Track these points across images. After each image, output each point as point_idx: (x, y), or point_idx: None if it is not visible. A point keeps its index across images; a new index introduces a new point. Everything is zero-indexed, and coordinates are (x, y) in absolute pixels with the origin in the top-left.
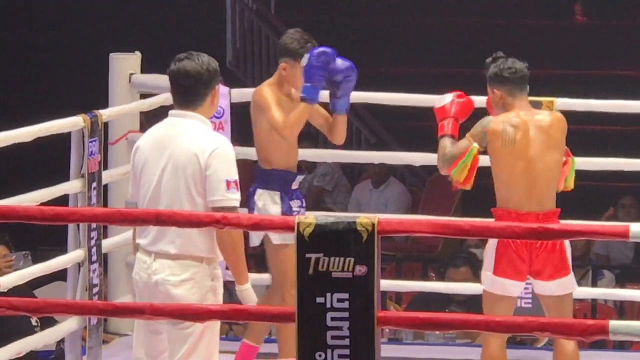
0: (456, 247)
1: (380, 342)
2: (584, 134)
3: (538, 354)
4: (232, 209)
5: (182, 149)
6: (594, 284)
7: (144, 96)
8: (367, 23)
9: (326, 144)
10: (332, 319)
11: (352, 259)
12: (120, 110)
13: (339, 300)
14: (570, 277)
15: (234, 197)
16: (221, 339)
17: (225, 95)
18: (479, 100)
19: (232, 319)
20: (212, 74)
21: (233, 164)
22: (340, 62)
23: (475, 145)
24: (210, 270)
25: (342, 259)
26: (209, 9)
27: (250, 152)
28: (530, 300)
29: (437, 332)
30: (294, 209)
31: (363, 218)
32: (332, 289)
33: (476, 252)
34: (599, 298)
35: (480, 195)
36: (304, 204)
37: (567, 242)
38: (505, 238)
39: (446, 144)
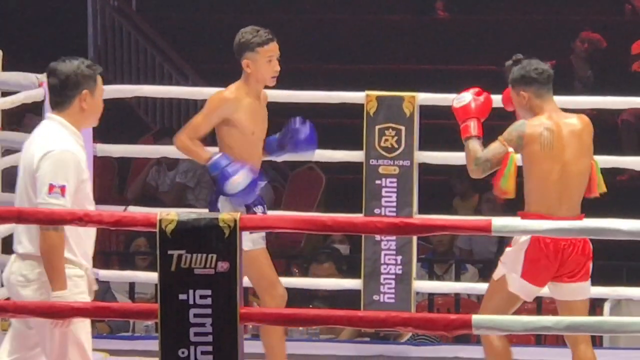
0: (319, 242)
1: (243, 338)
2: (445, 128)
3: (402, 348)
4: None
5: (30, 151)
6: (457, 279)
7: (5, 94)
8: (224, 19)
9: None
10: (195, 315)
11: (215, 256)
12: None
13: (202, 297)
14: (589, 284)
15: (55, 202)
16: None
17: None
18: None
19: (96, 316)
20: (81, 77)
21: (65, 169)
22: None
23: (512, 150)
24: None
25: (204, 255)
26: (70, 7)
27: (111, 150)
28: (393, 295)
29: (300, 328)
30: (258, 214)
31: (225, 214)
32: (195, 286)
33: (340, 248)
34: (463, 292)
35: (342, 190)
36: (266, 210)
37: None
38: (369, 233)
39: (476, 147)
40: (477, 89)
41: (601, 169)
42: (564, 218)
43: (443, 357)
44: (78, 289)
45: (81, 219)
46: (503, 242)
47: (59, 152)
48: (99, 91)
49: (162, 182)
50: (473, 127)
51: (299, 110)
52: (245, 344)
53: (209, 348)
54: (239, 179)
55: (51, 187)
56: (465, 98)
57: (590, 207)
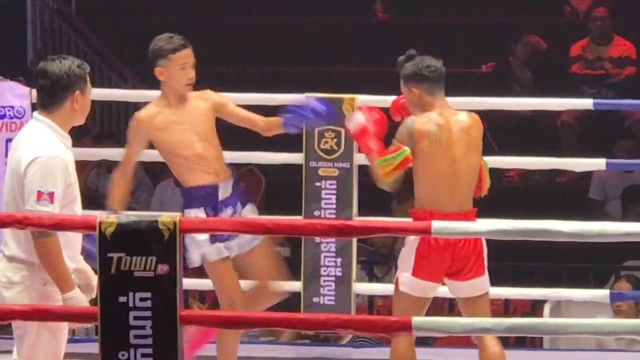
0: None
1: (183, 340)
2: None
3: (343, 351)
4: None
5: (17, 155)
6: None
7: None
8: (165, 22)
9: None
10: (135, 318)
11: (154, 258)
12: None
13: (142, 300)
14: (486, 277)
15: (44, 209)
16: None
17: (26, 96)
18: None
19: (35, 319)
20: (73, 78)
21: (53, 175)
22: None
23: (407, 148)
24: (42, 275)
25: (144, 258)
26: (9, 9)
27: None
28: (333, 297)
29: (240, 331)
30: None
31: (165, 217)
32: (135, 288)
33: (280, 250)
34: None
35: (281, 192)
36: (240, 207)
37: (484, 243)
38: (309, 235)
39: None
40: (367, 107)
41: (540, 170)
42: (454, 214)
43: (383, 359)
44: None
45: (20, 222)
46: None
47: (47, 158)
48: (88, 90)
49: (101, 184)
50: (372, 144)
51: None
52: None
53: (149, 350)
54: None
55: (39, 194)
56: (358, 119)
57: (531, 208)
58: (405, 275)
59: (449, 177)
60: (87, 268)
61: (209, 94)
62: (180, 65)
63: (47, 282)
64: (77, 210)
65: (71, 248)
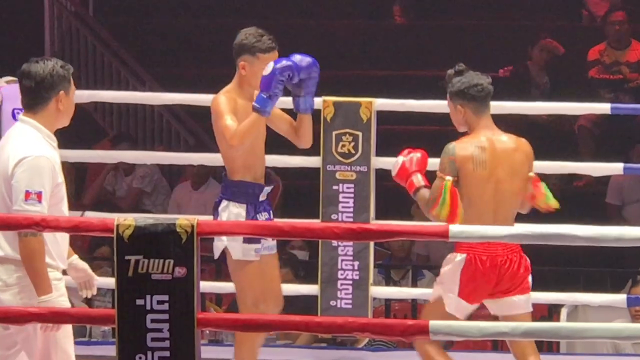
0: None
1: (200, 343)
2: (402, 134)
3: (359, 354)
4: None
5: (4, 156)
6: (414, 284)
7: None
8: (183, 24)
9: (145, 145)
10: (152, 320)
11: (172, 261)
12: None
13: (159, 302)
14: (528, 297)
15: (32, 209)
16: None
17: None
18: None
19: (53, 321)
20: (56, 78)
21: (40, 175)
22: (299, 59)
23: (449, 178)
24: None
25: (161, 260)
26: (27, 12)
27: (68, 155)
28: (350, 301)
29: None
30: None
31: (182, 220)
32: (152, 291)
33: (299, 254)
34: (420, 298)
35: (299, 196)
36: (272, 217)
37: (528, 263)
38: (326, 239)
39: (424, 194)
40: (407, 150)
41: (557, 175)
42: None
43: None
44: (58, 292)
45: (38, 224)
46: None
47: (34, 158)
48: (72, 91)
49: (118, 187)
50: (416, 180)
51: None
52: (202, 349)
53: (166, 353)
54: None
55: (27, 193)
56: (399, 161)
57: (548, 213)
58: (451, 297)
59: (494, 201)
60: (85, 265)
61: None
62: (264, 65)
63: None
64: (64, 210)
65: (59, 246)
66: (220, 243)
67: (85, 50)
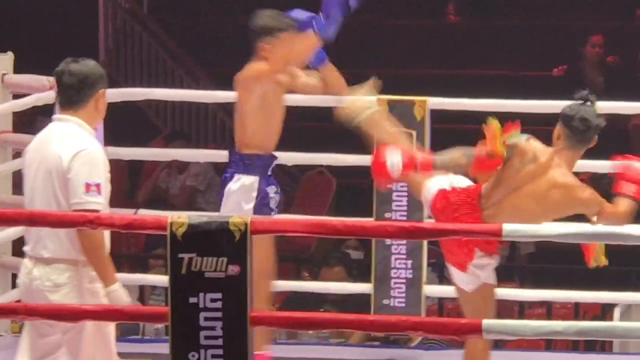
0: (329, 246)
1: (253, 341)
2: (456, 133)
3: (412, 353)
4: (91, 212)
5: (51, 153)
6: None
7: (16, 97)
8: (237, 22)
9: (198, 143)
10: (205, 319)
11: (225, 259)
12: None
13: (212, 300)
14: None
15: (94, 201)
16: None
17: None
18: None
19: (107, 319)
20: (96, 77)
21: (97, 167)
22: None
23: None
24: (87, 273)
25: (215, 258)
26: (82, 9)
27: (122, 153)
28: (403, 299)
29: (310, 332)
30: (271, 195)
31: (236, 218)
32: (205, 289)
33: (354, 254)
34: None
35: (353, 194)
36: (279, 190)
37: None
38: (379, 237)
39: (445, 157)
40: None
41: (612, 173)
42: None
43: None
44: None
45: (92, 222)
46: (514, 246)
47: (90, 151)
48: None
49: (172, 185)
50: (424, 157)
51: (311, 113)
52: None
53: (220, 351)
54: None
55: (88, 186)
56: (396, 161)
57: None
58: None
59: (510, 201)
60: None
61: (296, 71)
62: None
63: (91, 280)
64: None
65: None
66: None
67: (139, 47)
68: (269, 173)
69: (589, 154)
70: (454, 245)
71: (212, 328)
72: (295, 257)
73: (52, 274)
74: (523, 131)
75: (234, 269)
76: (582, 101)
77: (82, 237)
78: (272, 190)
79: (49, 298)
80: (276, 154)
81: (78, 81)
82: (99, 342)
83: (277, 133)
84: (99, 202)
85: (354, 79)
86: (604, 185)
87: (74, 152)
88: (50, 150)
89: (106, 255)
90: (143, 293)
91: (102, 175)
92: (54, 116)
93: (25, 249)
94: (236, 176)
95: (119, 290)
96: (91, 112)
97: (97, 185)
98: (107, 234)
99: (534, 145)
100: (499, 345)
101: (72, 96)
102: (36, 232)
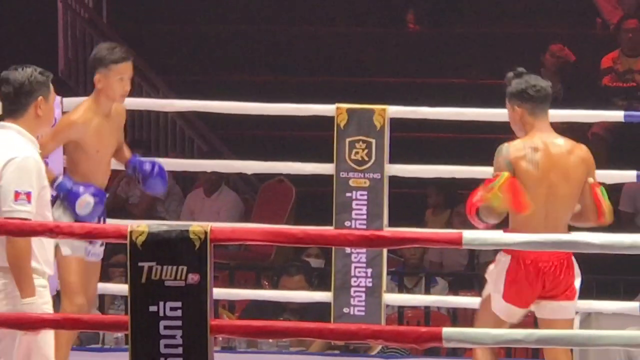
0: (289, 255)
1: (213, 350)
2: (416, 141)
3: None
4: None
5: None
6: (427, 291)
7: None
8: (197, 31)
9: (158, 151)
10: (165, 327)
11: (185, 268)
12: None
13: (172, 309)
14: (573, 304)
15: (22, 209)
16: None
17: (57, 105)
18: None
19: (67, 328)
20: (35, 84)
21: (29, 175)
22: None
23: (505, 173)
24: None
25: (174, 267)
26: (41, 18)
27: None
28: (363, 308)
29: (270, 340)
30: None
31: (196, 226)
32: (165, 298)
33: (315, 262)
34: (432, 305)
35: (312, 203)
36: (105, 221)
37: (577, 270)
38: (340, 246)
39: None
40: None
41: None
42: None
43: None
44: (42, 299)
45: (52, 231)
46: (474, 255)
47: (22, 159)
48: (52, 97)
49: (132, 193)
50: (476, 197)
51: (270, 122)
52: (216, 356)
53: None
54: (85, 200)
55: (17, 194)
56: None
57: None
58: (497, 298)
59: (545, 203)
60: None
61: (122, 107)
62: (119, 76)
63: None
64: (48, 215)
65: (45, 251)
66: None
67: None
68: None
69: None
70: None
71: (172, 337)
72: (255, 265)
73: None
74: (482, 140)
75: (193, 278)
76: (519, 77)
77: (7, 244)
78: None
79: None
80: (236, 162)
81: (14, 89)
82: (35, 350)
83: (105, 168)
84: (28, 211)
85: (312, 87)
86: None
87: (6, 159)
88: None
89: (28, 266)
90: (103, 302)
91: (35, 184)
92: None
93: None
94: (57, 204)
95: (36, 303)
96: (31, 120)
97: (27, 194)
98: (51, 245)
99: (518, 145)
100: (458, 353)
101: (10, 105)
102: None
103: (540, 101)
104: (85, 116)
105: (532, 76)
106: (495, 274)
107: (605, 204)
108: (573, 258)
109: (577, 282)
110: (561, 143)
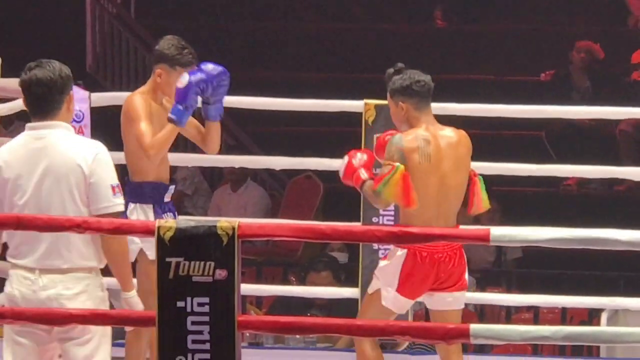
0: (316, 251)
1: (240, 346)
2: None
3: (399, 357)
4: (119, 214)
5: (61, 160)
6: None
7: (3, 100)
8: (226, 27)
9: (186, 147)
10: (193, 323)
11: (213, 263)
12: None
13: (200, 305)
14: (463, 294)
15: (120, 202)
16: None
17: (85, 100)
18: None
19: (94, 323)
20: (65, 79)
21: (113, 168)
22: (212, 68)
23: (399, 164)
24: (100, 280)
25: (202, 263)
26: (69, 13)
27: (115, 157)
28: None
29: (297, 336)
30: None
31: (224, 222)
32: (193, 293)
33: (338, 256)
34: None
35: (340, 199)
36: (177, 216)
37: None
38: (368, 242)
39: (370, 185)
40: (353, 150)
41: (599, 179)
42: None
43: None
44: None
45: (79, 226)
46: (501, 251)
47: (103, 152)
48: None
49: None
50: (361, 174)
51: (298, 118)
52: (243, 351)
53: (207, 356)
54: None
55: (113, 188)
56: (344, 161)
57: (588, 217)
58: (389, 290)
59: (437, 194)
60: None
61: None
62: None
63: (102, 288)
64: None
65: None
66: (134, 246)
67: (126, 52)
68: (166, 200)
69: (576, 159)
70: None
71: (200, 332)
72: (283, 261)
73: (69, 283)
74: (508, 137)
75: (221, 273)
76: (399, 73)
77: (109, 241)
78: (168, 217)
79: (66, 306)
80: (264, 158)
81: (49, 89)
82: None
83: (165, 160)
84: (123, 203)
85: (340, 83)
86: (592, 190)
87: (92, 155)
88: (57, 157)
89: (128, 260)
90: None
91: (116, 177)
92: (31, 124)
93: (21, 262)
94: (131, 205)
95: (136, 297)
96: (64, 116)
97: (119, 186)
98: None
99: (411, 137)
100: (485, 350)
101: (46, 104)
102: (47, 245)
103: (425, 96)
104: (144, 97)
105: (413, 71)
106: (390, 269)
107: (479, 196)
108: (463, 249)
109: (466, 274)
110: (450, 134)
